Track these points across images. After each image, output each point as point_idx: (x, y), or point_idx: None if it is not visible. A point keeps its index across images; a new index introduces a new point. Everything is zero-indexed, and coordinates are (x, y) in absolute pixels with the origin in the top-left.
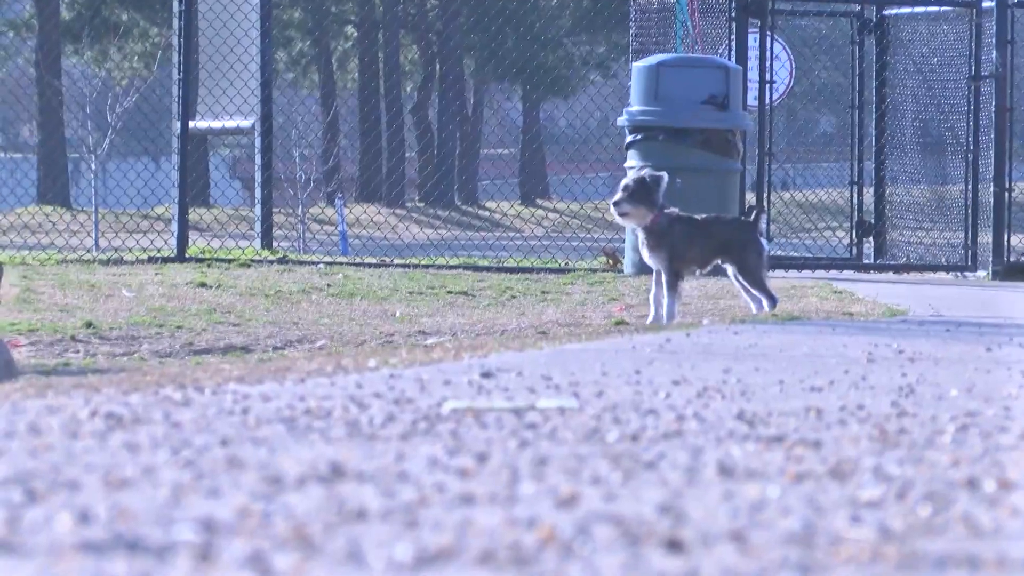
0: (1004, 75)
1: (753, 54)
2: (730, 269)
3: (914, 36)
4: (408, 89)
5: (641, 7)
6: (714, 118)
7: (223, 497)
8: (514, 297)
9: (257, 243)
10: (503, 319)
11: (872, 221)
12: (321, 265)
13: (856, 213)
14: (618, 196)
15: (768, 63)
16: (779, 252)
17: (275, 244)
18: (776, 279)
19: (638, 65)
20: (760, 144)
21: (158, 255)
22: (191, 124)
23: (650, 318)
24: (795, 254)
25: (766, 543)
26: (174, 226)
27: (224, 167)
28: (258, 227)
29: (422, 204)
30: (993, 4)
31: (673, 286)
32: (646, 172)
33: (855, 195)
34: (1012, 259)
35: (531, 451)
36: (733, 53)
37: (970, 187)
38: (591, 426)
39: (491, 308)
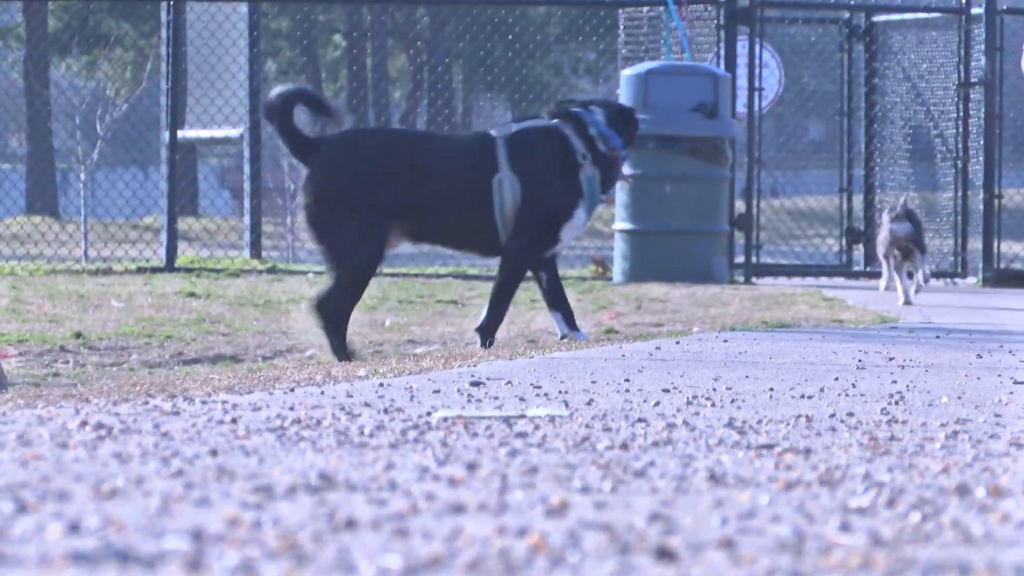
0: (993, 82)
1: (742, 62)
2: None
3: (903, 43)
4: (396, 97)
5: (630, 15)
6: (703, 126)
7: (213, 507)
8: None
9: (246, 253)
10: None
11: (862, 228)
12: (310, 274)
13: (846, 220)
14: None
15: (757, 70)
16: (768, 260)
17: (264, 254)
18: (766, 286)
19: (627, 73)
20: (749, 151)
21: (147, 265)
22: (180, 134)
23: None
24: (784, 261)
25: (756, 551)
26: (163, 236)
27: (213, 177)
28: (247, 237)
29: None
30: (982, 11)
31: None
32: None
33: (844, 202)
34: (1002, 266)
35: (521, 460)
36: (722, 61)
37: (960, 194)
38: (581, 434)
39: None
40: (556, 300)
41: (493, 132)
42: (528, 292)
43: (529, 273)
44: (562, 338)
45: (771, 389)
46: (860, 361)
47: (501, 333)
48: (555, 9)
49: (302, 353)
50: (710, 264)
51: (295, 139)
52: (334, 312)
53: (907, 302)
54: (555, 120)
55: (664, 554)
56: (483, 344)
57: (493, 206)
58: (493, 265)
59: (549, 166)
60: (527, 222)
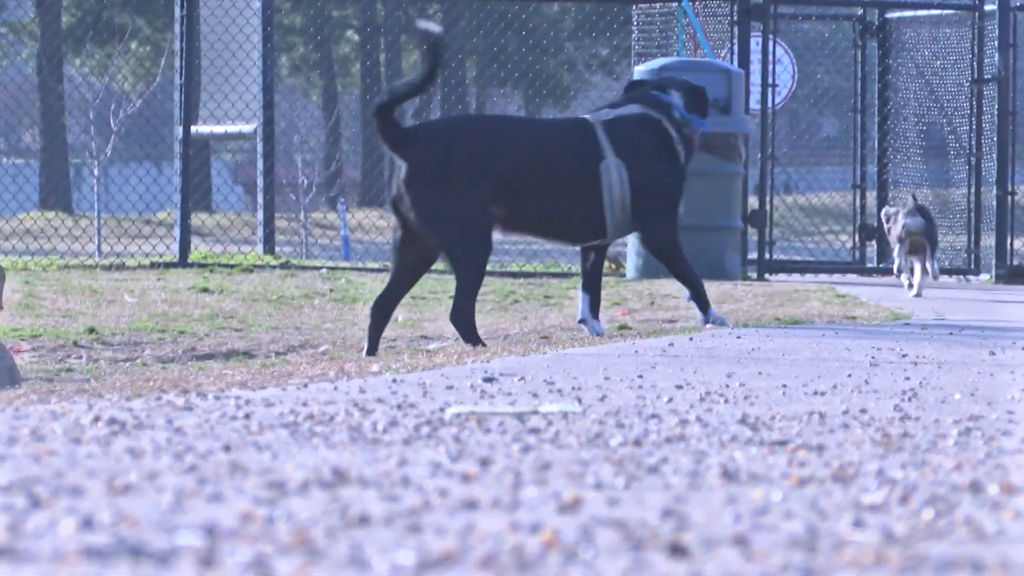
0: (1007, 78)
1: (755, 58)
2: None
3: (916, 39)
4: None
5: (644, 11)
6: (716, 122)
7: (226, 502)
8: (517, 302)
9: (259, 248)
10: (506, 324)
11: (875, 225)
12: (323, 270)
13: (859, 217)
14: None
15: (770, 67)
16: (782, 256)
17: (277, 249)
18: (779, 283)
19: (640, 69)
20: (762, 148)
21: (160, 260)
22: (193, 129)
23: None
24: (798, 258)
25: (769, 547)
26: (176, 231)
27: (226, 172)
28: (260, 232)
29: None
30: (996, 7)
31: None
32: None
33: (858, 199)
34: (1015, 263)
35: (534, 456)
36: (735, 57)
37: (973, 191)
38: (594, 430)
39: (494, 313)
40: (591, 283)
41: (589, 118)
42: (541, 288)
43: (531, 274)
44: (580, 321)
45: (784, 385)
46: (873, 358)
47: (514, 329)
48: (568, 5)
49: (315, 348)
50: (723, 260)
51: (389, 131)
52: (469, 319)
53: (918, 294)
54: (640, 104)
55: (677, 550)
56: (705, 312)
57: (602, 192)
58: (506, 261)
59: (653, 151)
60: (656, 208)
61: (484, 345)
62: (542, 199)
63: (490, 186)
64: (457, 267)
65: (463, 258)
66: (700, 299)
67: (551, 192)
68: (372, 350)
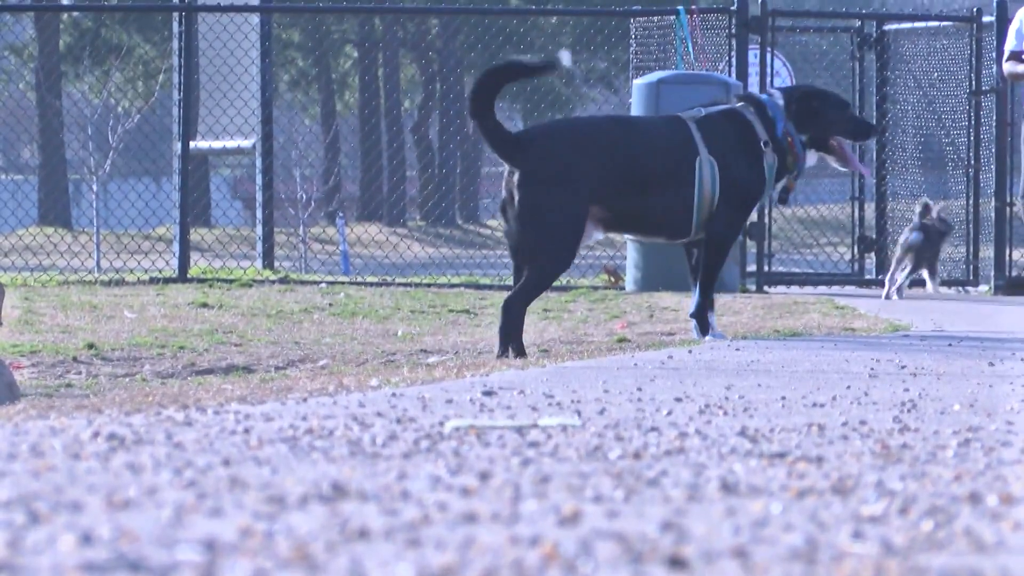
0: (1004, 90)
1: (753, 70)
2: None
3: (914, 51)
4: (408, 107)
5: (641, 24)
6: None
7: (225, 517)
8: None
9: (258, 263)
10: None
11: (873, 236)
12: (323, 284)
13: (857, 228)
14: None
15: (768, 79)
16: (781, 268)
17: (276, 264)
18: (777, 295)
19: (638, 82)
20: None
21: (159, 276)
22: (192, 144)
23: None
24: (796, 270)
25: (768, 559)
26: (175, 247)
27: (225, 187)
28: (259, 247)
29: (423, 223)
30: (993, 19)
31: None
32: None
33: (856, 210)
34: (1014, 274)
35: (533, 469)
36: (733, 69)
37: (971, 202)
38: (593, 444)
39: (493, 326)
40: None
41: (683, 116)
42: (540, 302)
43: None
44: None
45: (783, 397)
46: (872, 369)
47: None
48: (567, 19)
49: (315, 363)
50: (722, 272)
51: (498, 138)
52: (519, 315)
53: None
54: (739, 104)
55: (676, 563)
56: (703, 332)
57: (695, 188)
58: (505, 275)
59: (741, 150)
60: (728, 205)
61: (509, 350)
62: (644, 198)
63: (599, 188)
64: (535, 265)
65: (547, 261)
66: (705, 312)
67: (654, 190)
68: (505, 351)
